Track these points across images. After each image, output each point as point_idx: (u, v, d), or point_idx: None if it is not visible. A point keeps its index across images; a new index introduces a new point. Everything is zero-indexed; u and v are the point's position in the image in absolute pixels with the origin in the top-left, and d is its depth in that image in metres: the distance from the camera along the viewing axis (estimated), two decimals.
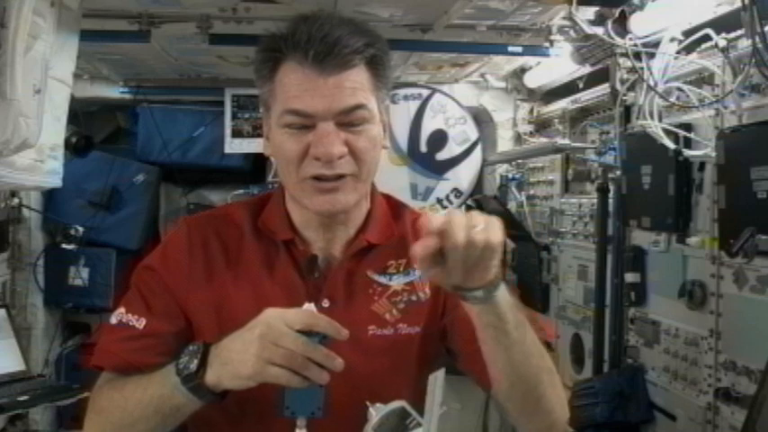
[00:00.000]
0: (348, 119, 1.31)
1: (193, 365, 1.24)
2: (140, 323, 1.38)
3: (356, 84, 1.31)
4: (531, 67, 3.84)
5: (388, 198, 1.56)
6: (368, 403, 1.18)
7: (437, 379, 1.12)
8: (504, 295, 1.21)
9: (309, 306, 1.24)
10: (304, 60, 1.29)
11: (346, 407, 1.26)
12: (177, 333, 1.39)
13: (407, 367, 1.20)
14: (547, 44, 2.98)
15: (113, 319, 1.42)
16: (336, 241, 1.44)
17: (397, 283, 1.43)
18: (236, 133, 4.17)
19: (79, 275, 4.13)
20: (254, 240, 1.44)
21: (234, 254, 1.43)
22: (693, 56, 2.36)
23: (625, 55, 2.51)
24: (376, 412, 1.17)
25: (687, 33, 2.35)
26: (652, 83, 2.40)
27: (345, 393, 1.25)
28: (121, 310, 1.42)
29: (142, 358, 1.36)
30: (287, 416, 1.19)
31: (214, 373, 1.23)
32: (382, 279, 1.43)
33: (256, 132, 4.15)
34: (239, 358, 1.19)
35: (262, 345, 1.17)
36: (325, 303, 1.38)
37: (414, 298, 1.43)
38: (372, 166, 1.38)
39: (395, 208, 1.54)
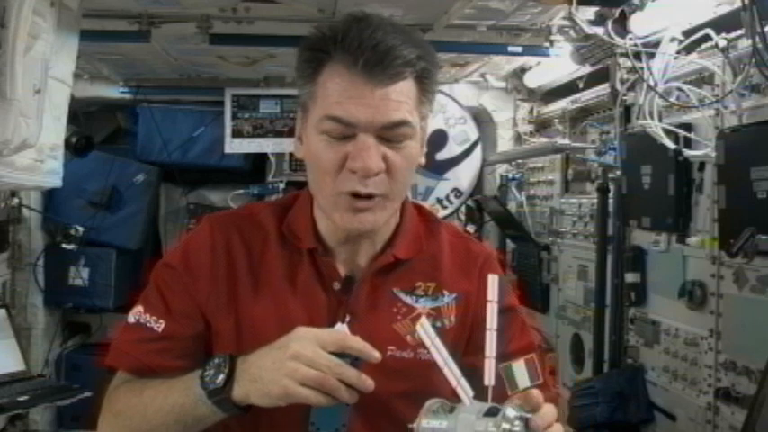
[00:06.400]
0: (390, 134, 1.25)
1: (220, 380, 1.20)
2: (159, 325, 1.34)
3: (402, 97, 1.25)
4: (531, 67, 3.84)
5: (420, 210, 1.49)
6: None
7: (424, 327, 1.14)
8: None
9: (342, 327, 1.23)
10: (353, 66, 1.22)
11: (356, 426, 1.24)
12: (196, 336, 1.35)
13: (423, 394, 1.12)
14: (547, 44, 2.98)
15: (131, 318, 1.37)
16: (362, 254, 1.38)
17: (422, 306, 1.38)
18: (236, 133, 4.17)
19: (79, 275, 4.13)
20: (278, 246, 1.39)
21: (257, 259, 1.38)
22: (693, 56, 2.37)
23: (625, 55, 2.51)
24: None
25: (687, 33, 2.35)
26: (652, 83, 2.40)
27: (358, 413, 1.22)
28: (139, 308, 1.37)
29: (160, 361, 1.33)
30: (311, 431, 1.18)
31: (242, 389, 1.19)
32: (408, 299, 1.38)
33: (256, 132, 4.16)
34: (270, 377, 1.16)
35: (294, 366, 1.14)
36: (347, 320, 1.32)
37: (438, 324, 1.36)
38: (405, 186, 1.32)
39: (428, 222, 1.47)
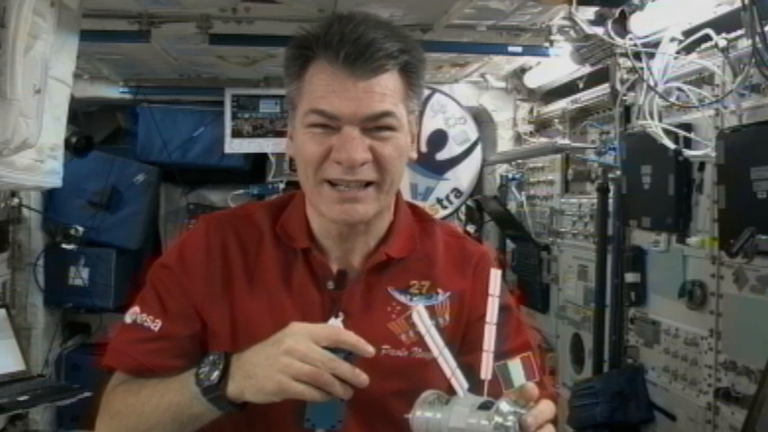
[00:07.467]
0: (374, 125, 1.26)
1: (215, 377, 1.21)
2: (156, 325, 1.34)
3: (386, 90, 1.26)
4: (531, 67, 3.84)
5: (414, 209, 1.50)
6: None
7: (420, 314, 1.15)
8: None
9: (336, 321, 1.23)
10: (334, 61, 1.24)
11: (351, 425, 1.24)
12: (192, 336, 1.35)
13: (418, 393, 1.13)
14: (547, 44, 2.98)
15: (128, 319, 1.37)
16: (355, 252, 1.38)
17: (417, 305, 1.35)
18: (236, 133, 4.17)
19: (79, 275, 4.13)
20: (273, 246, 1.39)
21: (252, 259, 1.39)
22: (693, 56, 2.37)
23: (625, 55, 2.51)
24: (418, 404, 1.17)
25: (687, 33, 2.35)
26: (652, 83, 2.40)
27: (353, 413, 1.23)
28: (136, 309, 1.37)
29: (157, 361, 1.33)
30: (307, 427, 1.18)
31: (236, 385, 1.20)
32: (402, 298, 1.38)
33: (256, 132, 4.16)
34: (263, 373, 1.17)
35: (288, 361, 1.14)
36: (340, 317, 1.34)
37: (432, 322, 1.33)
38: (396, 177, 1.33)
39: (423, 221, 1.48)
